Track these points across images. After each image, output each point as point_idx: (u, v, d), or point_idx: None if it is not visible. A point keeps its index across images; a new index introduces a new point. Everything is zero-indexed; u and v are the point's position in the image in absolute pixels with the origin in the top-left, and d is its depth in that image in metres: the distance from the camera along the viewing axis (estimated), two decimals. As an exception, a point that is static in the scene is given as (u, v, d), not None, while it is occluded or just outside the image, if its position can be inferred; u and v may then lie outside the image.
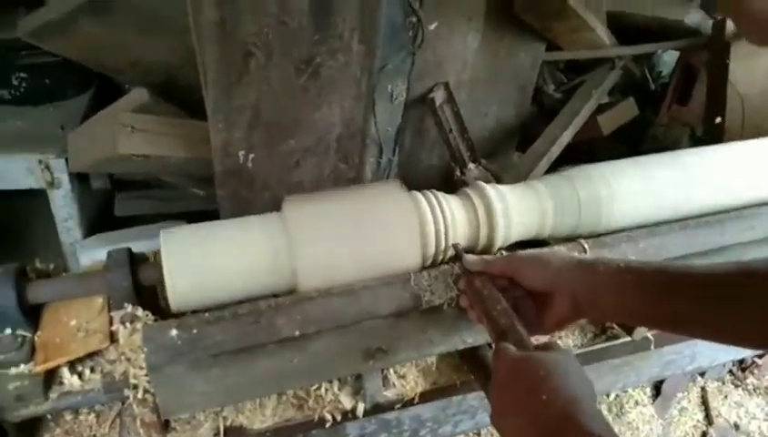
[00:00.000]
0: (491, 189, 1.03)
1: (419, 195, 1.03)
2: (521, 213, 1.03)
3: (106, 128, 1.47)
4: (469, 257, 0.91)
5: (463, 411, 1.20)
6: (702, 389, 1.66)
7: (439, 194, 1.04)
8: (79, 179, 1.68)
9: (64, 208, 1.64)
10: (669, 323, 0.76)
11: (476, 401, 1.19)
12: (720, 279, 0.70)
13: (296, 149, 1.36)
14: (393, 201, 0.99)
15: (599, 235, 1.06)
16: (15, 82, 1.65)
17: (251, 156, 1.34)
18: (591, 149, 1.98)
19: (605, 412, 1.56)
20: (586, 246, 1.00)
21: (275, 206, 1.03)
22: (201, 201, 1.87)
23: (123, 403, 0.97)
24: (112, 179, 1.89)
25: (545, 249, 1.02)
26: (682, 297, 0.72)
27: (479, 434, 1.47)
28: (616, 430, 1.52)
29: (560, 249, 1.02)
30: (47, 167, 1.56)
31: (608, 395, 1.57)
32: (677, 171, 1.10)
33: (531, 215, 1.04)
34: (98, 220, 1.82)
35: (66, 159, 1.58)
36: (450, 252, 1.01)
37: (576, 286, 0.80)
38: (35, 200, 1.69)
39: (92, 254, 1.58)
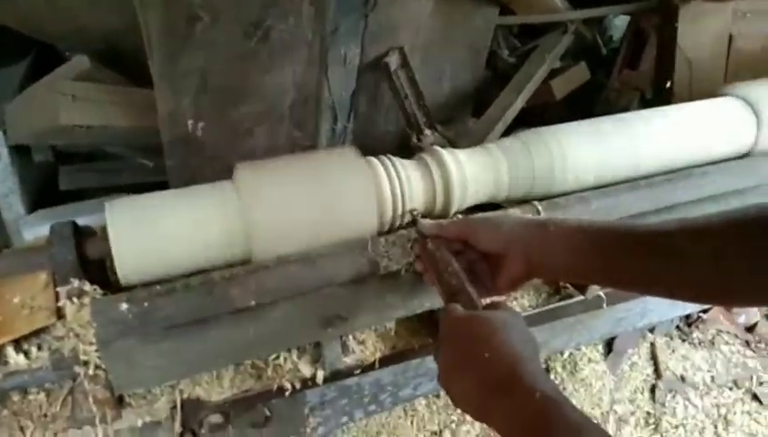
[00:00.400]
0: (447, 154, 1.03)
1: (374, 160, 1.02)
2: (477, 177, 1.03)
3: (46, 98, 1.40)
4: (425, 221, 0.91)
5: (422, 374, 1.21)
6: (652, 344, 1.73)
7: (395, 159, 1.03)
8: (19, 152, 1.60)
9: (4, 182, 1.56)
10: (619, 281, 0.78)
11: (435, 364, 1.21)
12: (665, 236, 0.72)
13: (247, 116, 1.33)
14: (349, 167, 0.97)
15: (552, 197, 1.07)
16: (-57, 49, 1.55)
17: (200, 124, 1.30)
18: (544, 114, 2.00)
19: (559, 370, 1.60)
20: (540, 208, 1.01)
21: (227, 176, 1.00)
22: (150, 173, 1.81)
23: (74, 381, 0.95)
24: (55, 152, 1.81)
25: (498, 212, 1.03)
26: (630, 255, 0.74)
27: (438, 396, 1.49)
28: (570, 387, 1.58)
29: (514, 212, 1.03)
30: (-17, 140, 1.48)
31: (562, 353, 1.61)
32: (629, 132, 1.12)
33: (487, 178, 1.04)
34: (42, 195, 1.74)
35: (5, 131, 1.50)
36: (408, 218, 1.00)
37: (528, 246, 0.81)
38: (-29, 175, 1.61)
39: (36, 230, 1.51)
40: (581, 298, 1.15)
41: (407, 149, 1.45)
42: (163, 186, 1.26)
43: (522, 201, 1.08)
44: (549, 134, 1.07)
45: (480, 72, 1.80)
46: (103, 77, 1.52)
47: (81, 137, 1.45)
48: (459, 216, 1.04)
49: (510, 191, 1.06)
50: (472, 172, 1.02)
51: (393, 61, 1.54)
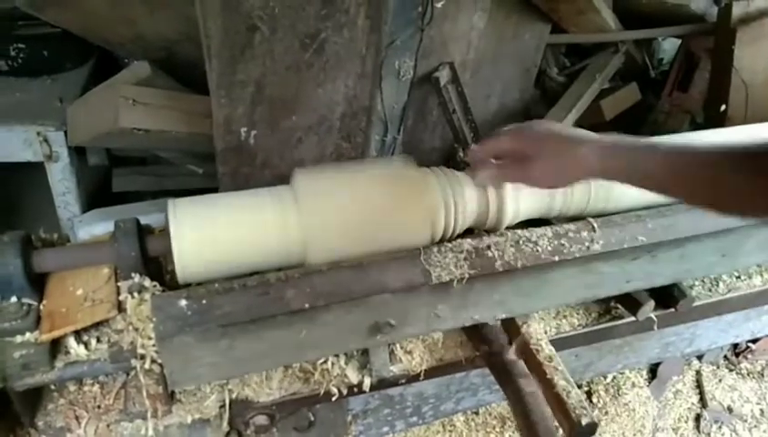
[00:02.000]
0: (502, 167, 1.03)
1: (429, 170, 1.02)
2: (531, 190, 1.02)
3: (107, 101, 1.45)
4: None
5: (465, 389, 1.20)
6: (697, 372, 1.68)
7: (450, 171, 1.04)
8: (77, 154, 1.66)
9: (62, 181, 1.62)
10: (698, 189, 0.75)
11: (478, 378, 1.20)
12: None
13: (298, 127, 1.35)
14: (404, 176, 0.98)
15: (607, 215, 1.06)
16: (13, 53, 1.62)
17: (253, 132, 1.33)
18: (592, 134, 1.98)
19: (602, 393, 1.57)
20: (595, 225, 1.00)
21: (275, 184, 1.02)
22: (199, 179, 1.86)
23: (127, 375, 0.97)
24: (109, 155, 1.87)
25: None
26: (709, 165, 0.73)
27: (477, 413, 1.48)
28: (612, 411, 1.55)
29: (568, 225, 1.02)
30: (46, 140, 1.54)
31: (605, 377, 1.58)
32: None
33: (541, 193, 1.03)
34: (95, 196, 1.80)
35: (65, 132, 1.55)
36: (461, 227, 1.00)
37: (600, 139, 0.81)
38: (32, 174, 1.67)
39: (90, 229, 1.56)
40: (632, 319, 1.13)
41: (452, 166, 1.46)
42: (211, 192, 1.29)
43: (574, 218, 1.07)
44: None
45: (529, 90, 1.80)
46: (161, 84, 1.57)
47: (138, 140, 1.50)
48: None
49: (563, 207, 1.06)
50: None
51: (443, 76, 1.55)
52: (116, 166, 1.88)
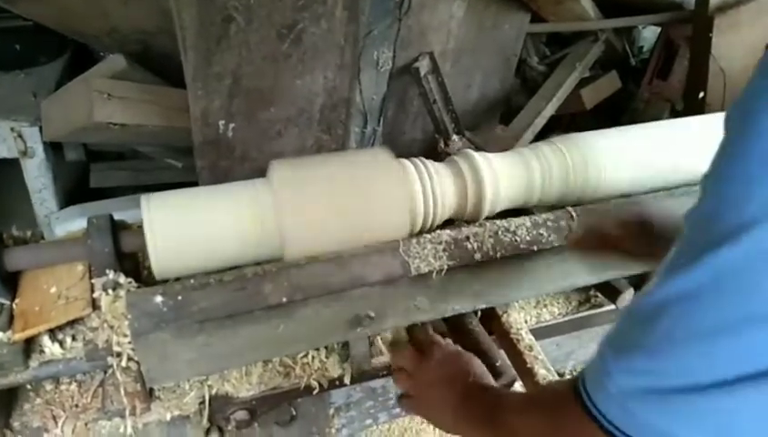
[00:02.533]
0: (480, 157, 1.02)
1: (407, 162, 1.02)
2: (510, 180, 1.02)
3: (81, 95, 1.43)
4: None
5: (448, 380, 1.20)
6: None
7: (428, 161, 1.03)
8: (54, 149, 1.63)
9: (38, 178, 1.59)
10: None
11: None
12: None
13: (277, 119, 1.34)
14: (382, 167, 0.98)
15: (585, 203, 1.06)
16: (-16, 46, 1.59)
17: (231, 125, 1.31)
18: (572, 123, 1.99)
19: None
20: (574, 213, 1.00)
21: (255, 177, 1.01)
22: (178, 173, 1.84)
23: (105, 373, 0.96)
24: (87, 151, 1.84)
25: None
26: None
27: (461, 404, 1.48)
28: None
29: (547, 216, 1.02)
30: (20, 136, 1.51)
31: (587, 365, 1.59)
32: (664, 139, 1.10)
33: (520, 182, 1.03)
34: (73, 192, 1.78)
35: (41, 128, 1.53)
36: (440, 218, 1.00)
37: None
38: (7, 170, 1.64)
39: (67, 225, 1.54)
40: (612, 307, 1.13)
41: (433, 156, 1.46)
42: (191, 186, 1.28)
43: (554, 207, 1.07)
44: (583, 139, 1.06)
45: (510, 79, 1.80)
46: (137, 77, 1.54)
47: (115, 135, 1.48)
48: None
49: (542, 196, 1.06)
50: (505, 175, 1.02)
51: (423, 66, 1.54)
52: (94, 161, 1.85)
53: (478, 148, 1.37)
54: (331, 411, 1.12)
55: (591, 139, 1.08)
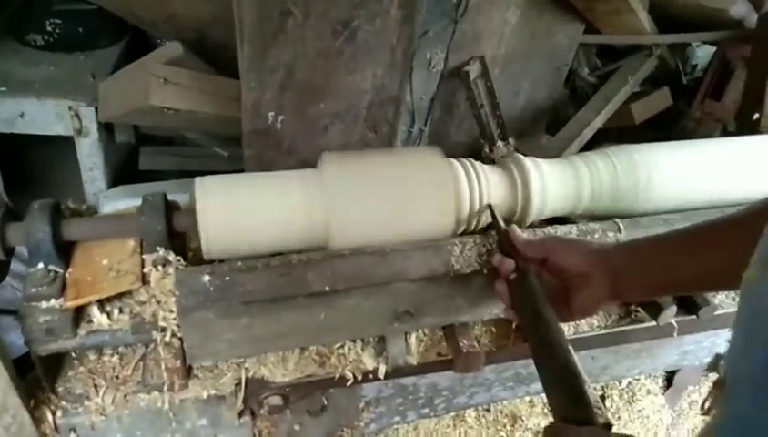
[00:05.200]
0: (529, 161, 1.02)
1: (455, 162, 1.02)
2: (559, 187, 1.02)
3: (138, 79, 1.47)
4: (515, 229, 0.91)
5: (479, 384, 1.20)
6: (714, 383, 1.65)
7: (477, 163, 1.04)
8: (106, 130, 1.68)
9: (90, 157, 1.64)
10: (715, 274, 0.76)
11: (492, 374, 1.19)
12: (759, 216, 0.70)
13: (325, 114, 1.36)
14: (431, 166, 0.98)
15: (633, 216, 1.05)
16: (50, 28, 1.65)
17: (281, 117, 1.33)
18: (620, 137, 1.96)
19: (616, 398, 1.56)
20: (621, 226, 0.99)
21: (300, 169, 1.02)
22: (224, 161, 1.87)
23: (146, 347, 0.98)
24: (136, 133, 1.89)
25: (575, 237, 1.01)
26: (718, 248, 0.74)
27: (488, 410, 1.47)
28: (626, 417, 1.53)
29: (593, 227, 1.02)
30: (77, 115, 1.56)
31: (620, 382, 1.56)
32: (717, 157, 1.08)
33: (568, 190, 1.03)
34: (120, 173, 1.82)
35: (96, 108, 1.57)
36: (485, 220, 1.00)
37: (615, 263, 0.80)
38: (60, 148, 1.70)
39: (114, 204, 1.58)
40: (652, 324, 1.11)
41: (477, 160, 1.45)
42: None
43: (601, 218, 1.06)
44: (635, 151, 1.05)
45: (559, 89, 1.79)
46: (193, 65, 1.58)
47: (167, 119, 1.51)
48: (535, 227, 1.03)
49: (590, 206, 1.05)
50: (553, 182, 1.01)
51: (473, 69, 1.54)
52: (143, 144, 1.90)
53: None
54: (362, 404, 1.12)
55: (643, 151, 1.06)
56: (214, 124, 1.60)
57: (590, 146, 1.62)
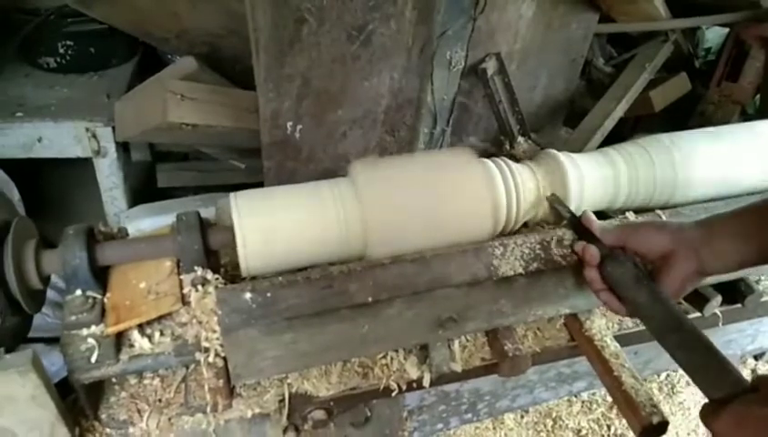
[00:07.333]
0: (564, 157, 1.00)
1: (489, 162, 1.00)
2: (595, 181, 1.00)
3: (154, 96, 1.45)
4: (590, 215, 0.89)
5: (521, 386, 1.18)
6: (753, 372, 1.63)
7: (511, 162, 1.02)
8: (123, 149, 1.67)
9: (110, 177, 1.64)
10: None
11: (535, 376, 1.18)
12: None
13: (343, 120, 1.34)
14: (465, 168, 0.96)
15: (672, 206, 1.03)
16: (62, 50, 1.64)
17: (299, 126, 1.32)
18: (637, 126, 1.94)
19: (656, 391, 1.53)
20: (663, 217, 0.97)
21: (319, 178, 1.01)
22: (241, 174, 1.86)
23: (187, 369, 0.97)
24: (152, 151, 1.88)
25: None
26: None
27: (527, 412, 1.45)
28: (666, 409, 1.50)
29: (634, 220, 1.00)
30: (94, 136, 1.55)
31: (659, 375, 1.54)
32: (754, 141, 1.06)
33: (606, 184, 1.01)
34: (139, 191, 1.82)
35: (113, 128, 1.56)
36: (523, 216, 0.98)
37: (697, 240, 0.79)
38: (78, 170, 1.69)
39: (137, 224, 1.57)
40: (697, 315, 1.09)
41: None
42: (254, 187, 1.29)
43: (639, 210, 1.04)
44: (670, 141, 1.03)
45: (575, 81, 1.76)
46: (207, 79, 1.57)
47: (185, 135, 1.50)
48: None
49: (628, 198, 1.03)
50: (590, 176, 1.00)
51: (490, 66, 1.52)
52: (159, 161, 1.89)
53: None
54: (404, 413, 1.11)
55: (677, 140, 1.04)
56: (231, 137, 1.59)
57: (609, 136, 1.60)
